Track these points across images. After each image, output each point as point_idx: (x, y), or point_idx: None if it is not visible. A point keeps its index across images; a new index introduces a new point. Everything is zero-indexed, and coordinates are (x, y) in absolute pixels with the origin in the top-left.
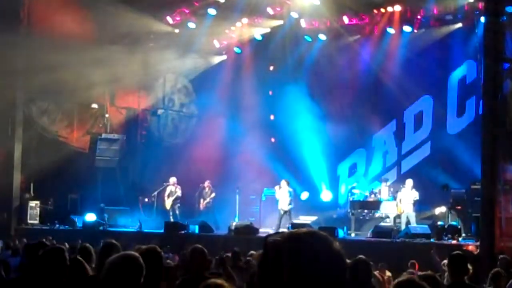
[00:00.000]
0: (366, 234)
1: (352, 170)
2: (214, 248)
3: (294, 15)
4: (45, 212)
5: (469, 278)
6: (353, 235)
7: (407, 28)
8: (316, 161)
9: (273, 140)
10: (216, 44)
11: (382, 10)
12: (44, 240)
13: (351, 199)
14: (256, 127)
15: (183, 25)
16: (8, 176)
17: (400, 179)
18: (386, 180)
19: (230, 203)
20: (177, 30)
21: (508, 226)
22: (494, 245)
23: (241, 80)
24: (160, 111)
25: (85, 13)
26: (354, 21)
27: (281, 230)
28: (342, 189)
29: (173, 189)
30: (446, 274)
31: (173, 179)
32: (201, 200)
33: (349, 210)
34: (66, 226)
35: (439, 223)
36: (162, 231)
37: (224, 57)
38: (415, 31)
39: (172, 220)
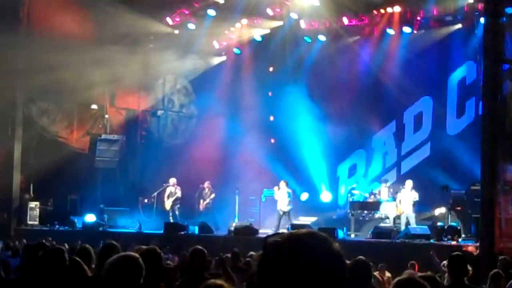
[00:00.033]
0: (366, 235)
1: (352, 171)
2: (214, 248)
3: (294, 16)
4: (45, 213)
5: (469, 278)
6: (352, 236)
7: (406, 29)
8: (316, 162)
9: (272, 141)
10: (216, 45)
11: (382, 11)
12: (44, 241)
13: (350, 200)
14: (256, 128)
15: (183, 26)
16: (8, 176)
17: (400, 180)
18: (386, 181)
19: (229, 204)
20: (176, 31)
21: (508, 226)
22: (494, 246)
23: (241, 81)
24: (160, 112)
25: (85, 13)
26: (353, 22)
27: (280, 231)
28: (342, 190)
29: (173, 190)
30: (446, 275)
31: (173, 180)
32: (201, 201)
33: (348, 211)
34: (66, 227)
35: (439, 224)
36: (161, 231)
37: (224, 58)
38: (415, 32)
39: (171, 220)
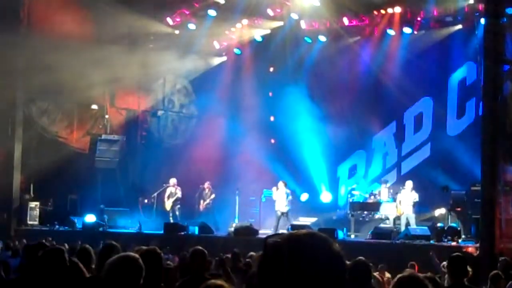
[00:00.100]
0: (366, 235)
1: (352, 171)
2: (214, 249)
3: (294, 16)
4: (45, 213)
5: (469, 279)
6: (352, 236)
7: (407, 30)
8: (316, 163)
9: (273, 141)
10: (216, 45)
11: (382, 11)
12: (43, 241)
13: (350, 200)
14: (256, 128)
15: (183, 26)
16: (8, 176)
17: (400, 181)
18: (386, 182)
19: (230, 204)
20: (177, 31)
21: (508, 227)
22: (494, 247)
23: (241, 81)
24: (160, 112)
25: (85, 13)
26: (354, 23)
27: (280, 231)
28: (342, 190)
29: (173, 190)
30: (446, 275)
31: (173, 180)
32: (201, 201)
33: (348, 212)
34: (66, 227)
35: (439, 224)
36: (161, 232)
37: (224, 58)
38: (415, 32)
39: (172, 221)
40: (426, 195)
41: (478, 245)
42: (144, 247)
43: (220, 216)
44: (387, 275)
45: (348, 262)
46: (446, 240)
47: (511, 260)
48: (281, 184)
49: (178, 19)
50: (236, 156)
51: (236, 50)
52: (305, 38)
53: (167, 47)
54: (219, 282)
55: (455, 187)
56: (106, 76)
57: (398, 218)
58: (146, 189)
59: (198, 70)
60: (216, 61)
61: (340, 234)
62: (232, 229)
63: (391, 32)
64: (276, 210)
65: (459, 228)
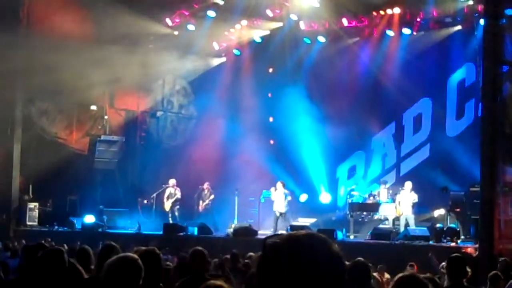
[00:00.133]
0: (365, 236)
1: (351, 172)
2: (213, 250)
3: (294, 17)
4: (44, 213)
5: (468, 280)
6: (352, 237)
7: (406, 31)
8: (315, 163)
9: (272, 142)
10: (216, 46)
11: (382, 12)
12: (43, 241)
13: (350, 201)
14: (255, 129)
15: (183, 27)
16: (7, 177)
17: (399, 181)
18: (385, 182)
19: (229, 205)
20: (176, 32)
21: (507, 228)
22: (493, 247)
23: (240, 82)
24: (159, 113)
25: (85, 13)
26: (353, 23)
27: (279, 232)
28: (341, 191)
29: (172, 191)
30: (445, 276)
31: (172, 181)
32: (200, 202)
33: (348, 212)
34: (65, 228)
35: (438, 225)
36: (161, 232)
37: (224, 59)
38: (415, 33)
39: (171, 221)
40: (425, 196)
41: (477, 245)
42: (143, 248)
43: (219, 216)
44: (386, 275)
45: (347, 263)
46: (445, 240)
47: (511, 260)
48: (279, 184)
49: (177, 20)
50: (235, 157)
51: (235, 51)
52: (304, 39)
53: (166, 48)
54: (218, 282)
55: (454, 188)
56: (105, 76)
57: (397, 218)
58: (145, 189)
59: (197, 70)
60: (215, 62)
61: (339, 235)
62: (231, 229)
63: (390, 33)
64: (274, 210)
65: (458, 229)
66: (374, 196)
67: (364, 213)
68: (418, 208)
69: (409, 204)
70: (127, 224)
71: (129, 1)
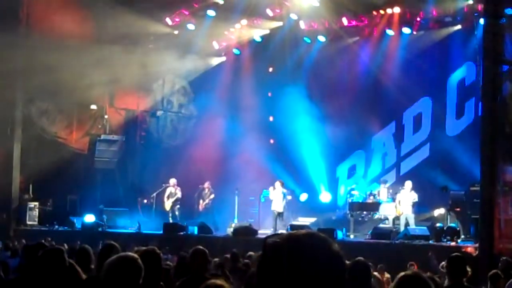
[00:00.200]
0: (365, 235)
1: (351, 171)
2: (213, 249)
3: (293, 16)
4: (44, 213)
5: (468, 279)
6: (352, 236)
7: (406, 30)
8: (315, 163)
9: (272, 141)
10: (215, 45)
11: (382, 11)
12: (43, 241)
13: (350, 200)
14: (255, 128)
15: (183, 27)
16: (7, 176)
17: (399, 181)
18: (385, 182)
19: (229, 204)
20: (176, 32)
21: (507, 227)
22: (493, 247)
23: (240, 81)
24: (159, 113)
25: (85, 13)
26: (353, 23)
27: (279, 231)
28: (341, 190)
29: (172, 190)
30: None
31: (173, 181)
32: (200, 201)
33: (348, 212)
34: (65, 227)
35: (438, 224)
36: (161, 232)
37: (223, 58)
38: (414, 33)
39: (171, 221)
40: (425, 195)
41: (477, 245)
42: (143, 247)
43: (219, 216)
44: (387, 275)
45: (347, 262)
46: (445, 240)
47: None
48: (278, 183)
49: (177, 19)
50: (235, 156)
51: (235, 50)
52: (304, 38)
53: (166, 47)
54: (219, 281)
55: (454, 187)
56: (105, 76)
57: (397, 218)
58: (145, 189)
59: (197, 70)
60: (215, 61)
61: (339, 234)
62: (231, 229)
63: (390, 32)
64: (272, 210)
65: (458, 228)
66: (374, 195)
67: (364, 212)
68: (418, 208)
69: (409, 204)
70: (127, 224)
71: (129, 1)
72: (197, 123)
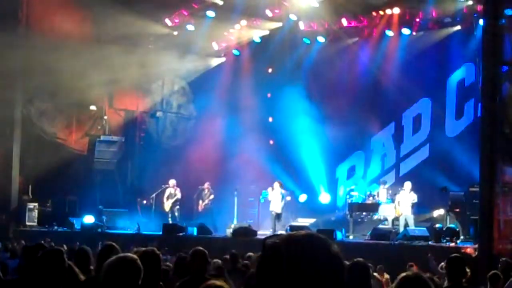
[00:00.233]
0: (364, 236)
1: (351, 172)
2: (213, 250)
3: (293, 17)
4: (44, 214)
5: (467, 280)
6: (351, 237)
7: (405, 31)
8: (315, 164)
9: (271, 142)
10: (215, 46)
11: (381, 12)
12: (42, 242)
13: (349, 201)
14: (255, 129)
15: (182, 27)
16: (7, 177)
17: (399, 182)
18: (385, 183)
19: (228, 205)
20: (175, 32)
21: (507, 228)
22: (493, 248)
23: (240, 82)
24: (159, 113)
25: (84, 14)
26: (353, 24)
27: (279, 232)
28: (341, 191)
29: (172, 191)
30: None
31: (172, 181)
32: (200, 202)
33: (347, 213)
34: (65, 228)
35: (438, 225)
36: (160, 233)
37: (223, 59)
38: (414, 33)
39: (170, 222)
40: (425, 196)
41: (476, 246)
42: (142, 248)
43: (218, 217)
44: (386, 276)
45: (346, 263)
46: (444, 241)
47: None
48: (276, 184)
49: (177, 20)
50: (234, 157)
51: (234, 51)
52: (304, 39)
53: (166, 48)
54: (218, 282)
55: (454, 188)
56: (105, 77)
57: (396, 219)
58: (144, 190)
59: (196, 71)
60: (215, 62)
61: (339, 235)
62: (231, 230)
63: (389, 33)
64: (271, 210)
65: (457, 229)
66: (373, 196)
67: (364, 213)
68: (418, 208)
69: (408, 204)
70: (126, 225)
71: (128, 1)
72: (196, 123)
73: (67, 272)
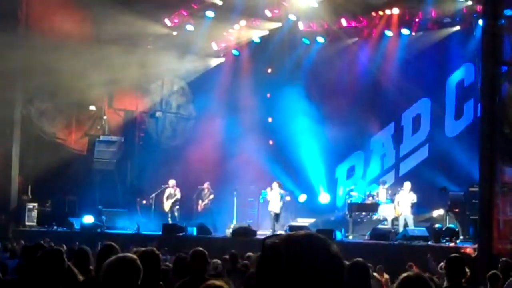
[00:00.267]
0: (364, 236)
1: (350, 172)
2: (212, 250)
3: (292, 17)
4: (43, 214)
5: (467, 280)
6: (350, 237)
7: (405, 31)
8: (314, 164)
9: (271, 142)
10: (214, 46)
11: (381, 12)
12: (42, 242)
13: (349, 201)
14: (254, 129)
15: (181, 27)
16: (6, 177)
17: (398, 182)
18: (384, 183)
19: (228, 205)
20: (175, 32)
21: (506, 228)
22: (492, 248)
23: (239, 82)
24: (158, 113)
25: (84, 14)
26: (352, 24)
27: (278, 232)
28: (340, 191)
29: (172, 191)
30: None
31: (172, 182)
32: (200, 202)
33: (347, 213)
34: (64, 228)
35: (437, 225)
36: (160, 233)
37: (222, 59)
38: (413, 33)
39: (170, 222)
40: (424, 196)
41: (476, 246)
42: (142, 248)
43: (218, 217)
44: (386, 276)
45: (346, 263)
46: (444, 241)
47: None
48: (275, 184)
49: (176, 20)
50: (234, 157)
51: (234, 51)
52: (303, 39)
53: (165, 48)
54: (218, 282)
55: (453, 188)
56: (104, 77)
57: (396, 219)
58: (144, 190)
59: (196, 71)
60: (214, 62)
61: (338, 235)
62: (230, 230)
63: (389, 33)
64: (269, 210)
65: (457, 229)
66: (373, 196)
67: (363, 213)
68: (417, 208)
69: (408, 204)
70: (126, 225)
71: (128, 1)
72: (196, 124)
73: (67, 272)
